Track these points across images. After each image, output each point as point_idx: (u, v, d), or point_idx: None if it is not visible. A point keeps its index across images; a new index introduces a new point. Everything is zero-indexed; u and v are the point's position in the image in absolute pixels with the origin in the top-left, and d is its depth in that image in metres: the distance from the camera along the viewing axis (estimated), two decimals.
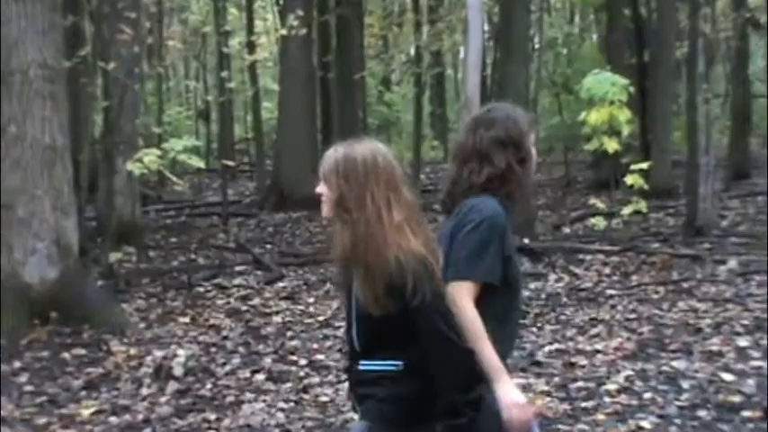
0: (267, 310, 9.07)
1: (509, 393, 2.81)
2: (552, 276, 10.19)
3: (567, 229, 13.78)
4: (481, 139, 2.99)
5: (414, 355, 2.68)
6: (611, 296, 9.03)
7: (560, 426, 5.38)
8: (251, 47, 17.20)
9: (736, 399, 5.69)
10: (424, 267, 2.63)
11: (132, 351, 7.30)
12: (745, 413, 5.43)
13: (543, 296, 9.23)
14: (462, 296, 2.81)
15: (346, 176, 2.70)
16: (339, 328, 8.13)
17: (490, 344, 2.81)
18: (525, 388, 5.92)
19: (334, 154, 2.76)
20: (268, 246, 13.30)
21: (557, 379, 6.28)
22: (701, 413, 5.48)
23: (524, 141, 3.02)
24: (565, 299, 9.08)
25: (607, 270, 10.34)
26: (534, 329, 7.80)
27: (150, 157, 9.26)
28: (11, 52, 7.93)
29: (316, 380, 6.55)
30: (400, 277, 2.60)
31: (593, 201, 12.99)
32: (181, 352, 6.98)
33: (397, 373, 2.71)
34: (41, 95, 7.99)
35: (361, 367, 2.79)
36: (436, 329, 2.63)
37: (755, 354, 6.68)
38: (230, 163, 17.33)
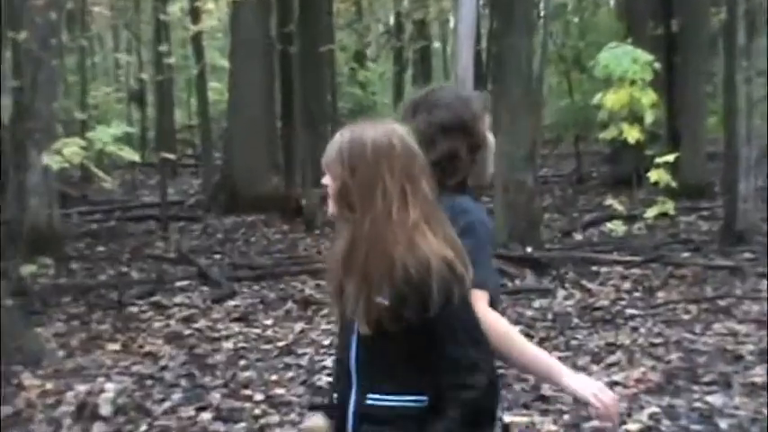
0: (215, 335, 9.03)
1: (584, 382, 2.91)
2: (561, 293, 10.21)
3: (578, 236, 13.81)
4: (425, 124, 3.01)
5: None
6: (633, 317, 9.05)
7: None
8: (195, 14, 17.14)
9: None
10: (451, 271, 2.61)
11: (49, 385, 7.24)
12: None
13: (550, 316, 9.24)
14: (482, 306, 2.86)
15: (352, 166, 2.67)
16: (303, 355, 8.11)
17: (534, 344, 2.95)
18: (528, 428, 5.92)
19: (339, 138, 2.74)
20: (216, 256, 13.25)
21: (567, 417, 6.28)
22: None
23: (477, 125, 3.07)
24: (576, 320, 9.09)
25: (627, 285, 10.37)
26: None
27: (72, 148, 9.19)
28: None
29: (274, 419, 6.53)
30: (417, 286, 2.58)
31: (609, 201, 12.99)
32: (109, 386, 6.94)
33: (421, 411, 2.67)
34: None
35: (369, 401, 2.73)
36: (455, 339, 2.62)
37: None
38: (170, 156, 17.27)
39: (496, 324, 2.85)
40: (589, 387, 2.87)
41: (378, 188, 2.64)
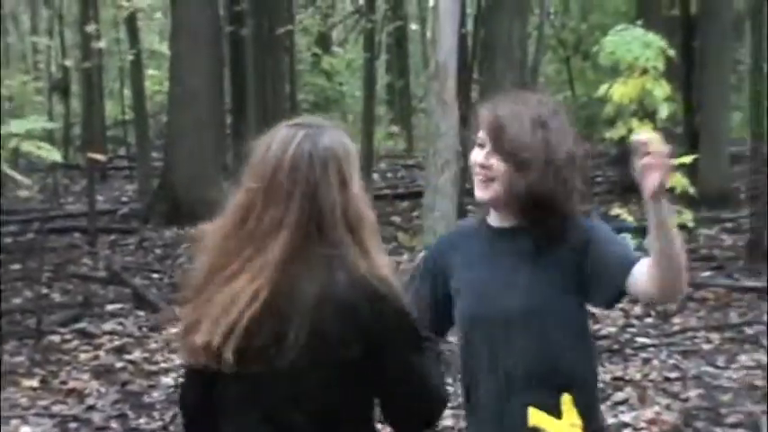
0: (153, 368, 9.00)
1: None
2: None
3: None
4: None
5: None
6: (644, 346, 9.08)
7: None
8: None
9: None
10: None
11: None
12: None
13: None
14: None
15: None
16: None
17: None
18: None
19: None
20: (155, 275, 13.21)
21: None
22: None
23: None
24: None
25: (638, 309, 10.39)
26: None
27: None
28: None
29: None
30: None
31: (617, 211, 13.06)
32: (25, 430, 6.90)
33: None
34: None
35: None
36: None
37: None
38: (100, 156, 17.19)
39: None
40: None
41: None
